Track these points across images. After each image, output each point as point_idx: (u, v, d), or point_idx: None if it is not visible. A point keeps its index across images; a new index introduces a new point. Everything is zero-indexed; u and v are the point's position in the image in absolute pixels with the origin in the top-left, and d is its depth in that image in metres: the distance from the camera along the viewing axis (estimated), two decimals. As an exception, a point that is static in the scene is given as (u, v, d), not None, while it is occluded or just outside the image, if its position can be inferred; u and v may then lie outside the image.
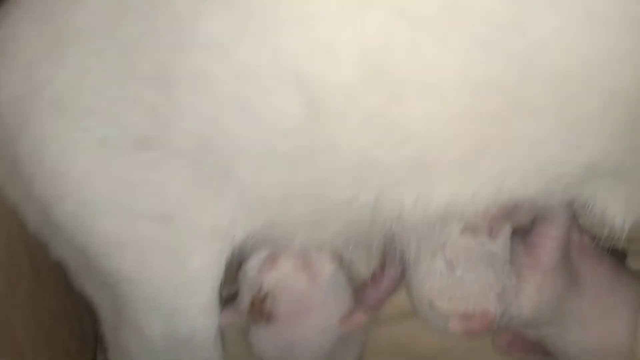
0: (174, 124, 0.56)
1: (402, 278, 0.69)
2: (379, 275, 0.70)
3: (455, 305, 0.64)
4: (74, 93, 0.56)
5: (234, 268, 0.70)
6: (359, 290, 0.71)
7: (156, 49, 0.54)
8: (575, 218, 0.70)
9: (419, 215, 0.58)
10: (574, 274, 0.69)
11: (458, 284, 0.64)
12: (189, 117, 0.55)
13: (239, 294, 0.69)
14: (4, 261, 0.63)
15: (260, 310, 0.66)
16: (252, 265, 0.68)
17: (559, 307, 0.68)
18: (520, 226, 0.69)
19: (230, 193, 0.58)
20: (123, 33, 0.55)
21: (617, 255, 0.74)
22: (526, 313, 0.67)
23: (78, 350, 0.76)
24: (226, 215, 0.59)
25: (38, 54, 0.57)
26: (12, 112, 0.58)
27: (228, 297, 0.71)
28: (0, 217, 0.63)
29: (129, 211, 0.58)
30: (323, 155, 0.56)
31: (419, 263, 0.66)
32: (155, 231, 0.59)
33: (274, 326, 0.66)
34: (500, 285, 0.65)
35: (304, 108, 0.54)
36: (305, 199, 0.59)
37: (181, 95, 0.55)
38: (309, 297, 0.67)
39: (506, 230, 0.67)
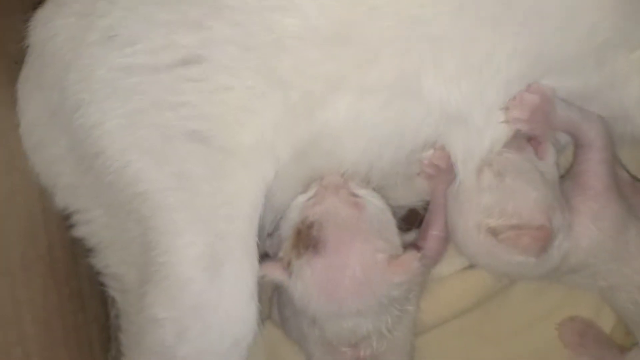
0: (219, 35, 0.58)
1: None
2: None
3: (507, 218, 0.61)
4: (125, 23, 0.59)
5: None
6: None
7: None
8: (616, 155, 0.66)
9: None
10: (633, 209, 0.66)
11: (509, 194, 0.61)
12: (234, 22, 0.57)
13: (280, 240, 0.65)
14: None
15: (307, 238, 0.62)
16: (296, 203, 0.64)
17: (619, 238, 0.64)
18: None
19: (273, 100, 0.59)
20: None
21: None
22: (584, 244, 0.63)
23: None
24: (268, 128, 0.59)
25: None
26: (64, 48, 0.61)
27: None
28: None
29: (170, 128, 0.58)
30: (366, 24, 0.57)
31: (462, 188, 0.63)
32: (196, 150, 0.58)
33: (321, 256, 0.61)
34: (554, 204, 0.62)
35: None
36: (352, 92, 0.59)
37: (228, 2, 0.58)
38: (356, 224, 0.62)
39: (552, 152, 0.65)
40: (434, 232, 0.68)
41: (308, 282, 0.62)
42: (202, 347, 0.60)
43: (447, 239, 0.68)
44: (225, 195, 0.59)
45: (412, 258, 0.62)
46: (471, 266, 0.72)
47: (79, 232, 0.66)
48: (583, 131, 0.63)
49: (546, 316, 0.73)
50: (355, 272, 0.61)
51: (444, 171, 0.65)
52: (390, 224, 0.65)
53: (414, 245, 0.68)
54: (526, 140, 0.65)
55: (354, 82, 0.59)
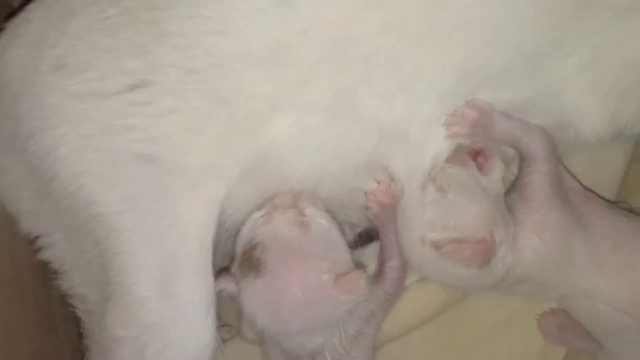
0: (163, 60, 0.60)
1: None
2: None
3: (449, 233, 0.62)
4: (74, 52, 0.61)
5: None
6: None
7: None
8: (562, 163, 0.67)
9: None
10: (580, 218, 0.66)
11: (451, 209, 0.63)
12: (176, 47, 0.60)
13: (235, 255, 0.67)
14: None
15: (250, 259, 0.63)
16: (250, 220, 0.66)
17: (564, 249, 0.64)
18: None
19: (217, 120, 0.60)
20: None
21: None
22: (528, 256, 0.64)
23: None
24: (214, 148, 0.61)
25: (46, 28, 0.63)
26: (17, 79, 0.63)
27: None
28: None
29: (119, 152, 0.60)
30: (298, 46, 0.59)
31: (408, 204, 0.64)
32: (145, 173, 0.60)
33: (262, 277, 0.63)
34: (496, 218, 0.63)
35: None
36: (293, 111, 0.61)
37: (169, 28, 0.60)
38: (299, 246, 0.63)
39: (498, 168, 0.66)
40: (391, 264, 0.69)
41: (252, 302, 0.64)
42: None
43: (405, 265, 0.69)
44: (176, 215, 0.61)
45: (357, 277, 0.63)
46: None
47: (45, 255, 0.68)
48: (525, 144, 0.64)
49: (509, 323, 0.74)
50: (296, 293, 0.62)
51: (389, 207, 0.66)
52: (338, 242, 0.66)
53: (363, 266, 0.69)
54: (471, 155, 0.66)
55: (294, 101, 0.61)
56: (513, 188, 0.68)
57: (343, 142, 0.63)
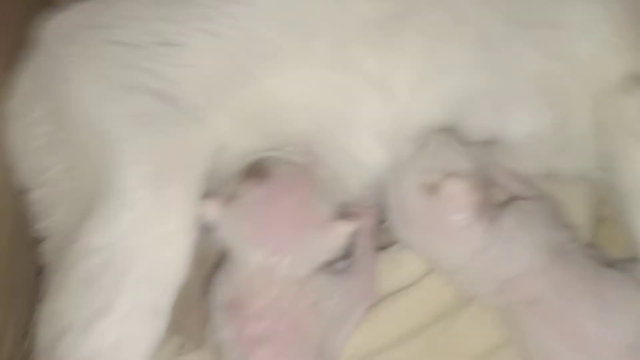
0: (193, 25, 0.69)
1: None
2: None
3: (445, 174, 0.65)
4: (121, 24, 0.70)
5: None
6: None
7: None
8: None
9: None
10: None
11: (447, 160, 0.67)
12: (202, 15, 0.69)
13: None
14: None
15: (258, 167, 0.66)
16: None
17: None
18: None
19: (228, 73, 0.68)
20: None
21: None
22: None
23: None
24: (222, 93, 0.68)
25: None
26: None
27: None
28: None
29: (138, 86, 0.66)
30: (303, 4, 0.69)
31: (400, 161, 0.69)
32: (156, 103, 0.66)
33: (266, 184, 0.64)
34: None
35: None
36: (292, 62, 0.68)
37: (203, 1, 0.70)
38: (306, 176, 0.67)
39: None
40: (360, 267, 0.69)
41: (243, 210, 0.64)
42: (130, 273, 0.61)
43: (375, 270, 0.70)
44: (176, 136, 0.65)
45: (348, 226, 0.66)
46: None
47: (37, 194, 0.71)
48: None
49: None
50: (296, 210, 0.64)
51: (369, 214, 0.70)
52: (331, 195, 0.68)
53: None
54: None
55: (296, 55, 0.68)
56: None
57: (338, 94, 0.69)
